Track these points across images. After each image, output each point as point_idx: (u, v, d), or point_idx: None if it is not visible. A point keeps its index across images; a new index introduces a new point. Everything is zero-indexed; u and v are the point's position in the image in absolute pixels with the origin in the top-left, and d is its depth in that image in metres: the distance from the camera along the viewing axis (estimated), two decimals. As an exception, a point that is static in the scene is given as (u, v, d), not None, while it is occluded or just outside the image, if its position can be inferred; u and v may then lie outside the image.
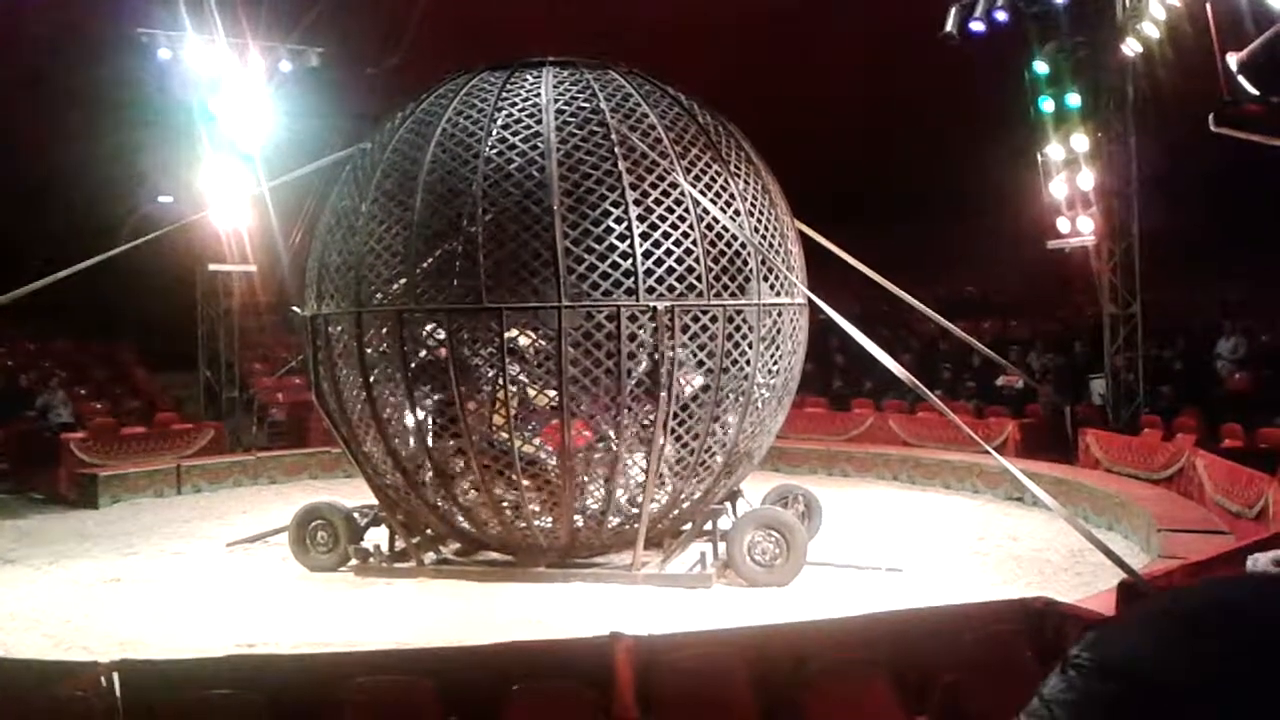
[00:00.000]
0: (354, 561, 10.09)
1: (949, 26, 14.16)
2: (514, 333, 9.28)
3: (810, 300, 9.80)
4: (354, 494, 11.16)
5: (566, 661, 5.31)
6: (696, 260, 9.12)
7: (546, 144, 9.16)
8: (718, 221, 9.27)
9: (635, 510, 9.52)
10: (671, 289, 9.04)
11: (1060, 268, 17.28)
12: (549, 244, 8.96)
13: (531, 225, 9.03)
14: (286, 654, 7.10)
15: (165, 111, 16.50)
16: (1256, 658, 0.85)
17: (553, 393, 9.16)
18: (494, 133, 9.28)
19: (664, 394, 9.03)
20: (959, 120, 19.46)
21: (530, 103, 9.40)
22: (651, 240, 9.02)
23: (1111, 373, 15.17)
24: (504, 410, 9.17)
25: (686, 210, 9.15)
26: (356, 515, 10.40)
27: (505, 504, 9.45)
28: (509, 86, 9.55)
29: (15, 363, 19.23)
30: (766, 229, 9.68)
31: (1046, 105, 15.05)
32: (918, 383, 9.06)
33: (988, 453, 8.86)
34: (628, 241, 8.97)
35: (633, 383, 9.13)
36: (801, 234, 10.57)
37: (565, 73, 9.70)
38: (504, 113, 9.39)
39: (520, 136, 9.24)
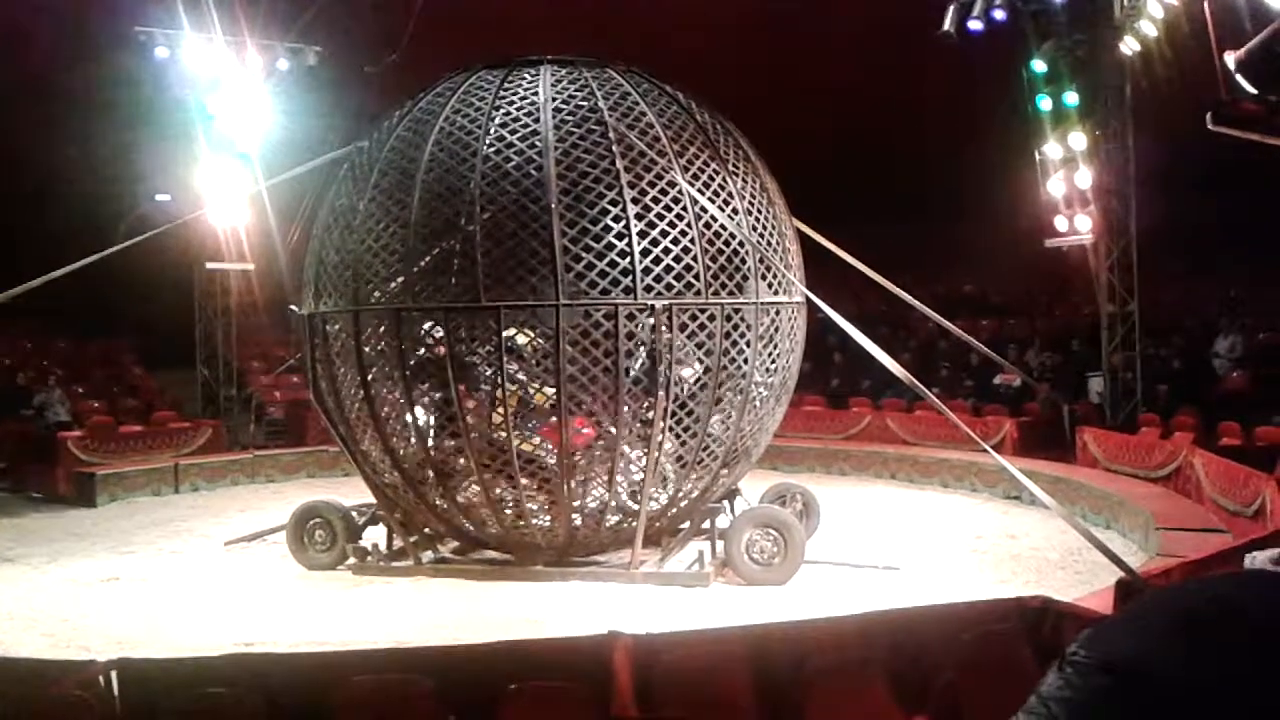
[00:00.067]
0: (352, 560, 10.08)
1: (947, 25, 14.15)
2: (512, 331, 9.27)
3: (808, 299, 9.80)
4: (352, 493, 11.16)
5: (564, 660, 5.31)
6: (694, 259, 9.12)
7: (544, 142, 9.16)
8: (716, 220, 9.27)
9: (634, 508, 9.51)
10: (669, 287, 9.04)
11: (1058, 266, 17.30)
12: (547, 242, 8.95)
13: (529, 224, 9.03)
14: (284, 653, 7.09)
15: (163, 110, 16.49)
16: (1256, 655, 0.85)
17: (551, 391, 9.16)
18: (492, 131, 9.28)
19: (662, 392, 9.03)
20: (957, 119, 19.47)
21: (528, 101, 9.39)
22: (649, 239, 9.02)
23: (1109, 371, 15.17)
24: (502, 409, 9.16)
25: (685, 209, 9.14)
26: (354, 514, 10.40)
27: (504, 503, 9.45)
28: (507, 85, 9.54)
29: (13, 361, 19.22)
30: (765, 228, 9.68)
31: (1044, 104, 15.06)
32: (916, 381, 9.07)
33: (986, 451, 8.87)
34: (626, 240, 8.97)
35: (630, 381, 9.12)
36: (800, 233, 10.57)
37: (563, 71, 9.69)
38: (502, 111, 9.38)
39: (518, 135, 9.23)
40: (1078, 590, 8.38)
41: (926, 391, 9.13)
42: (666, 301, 8.99)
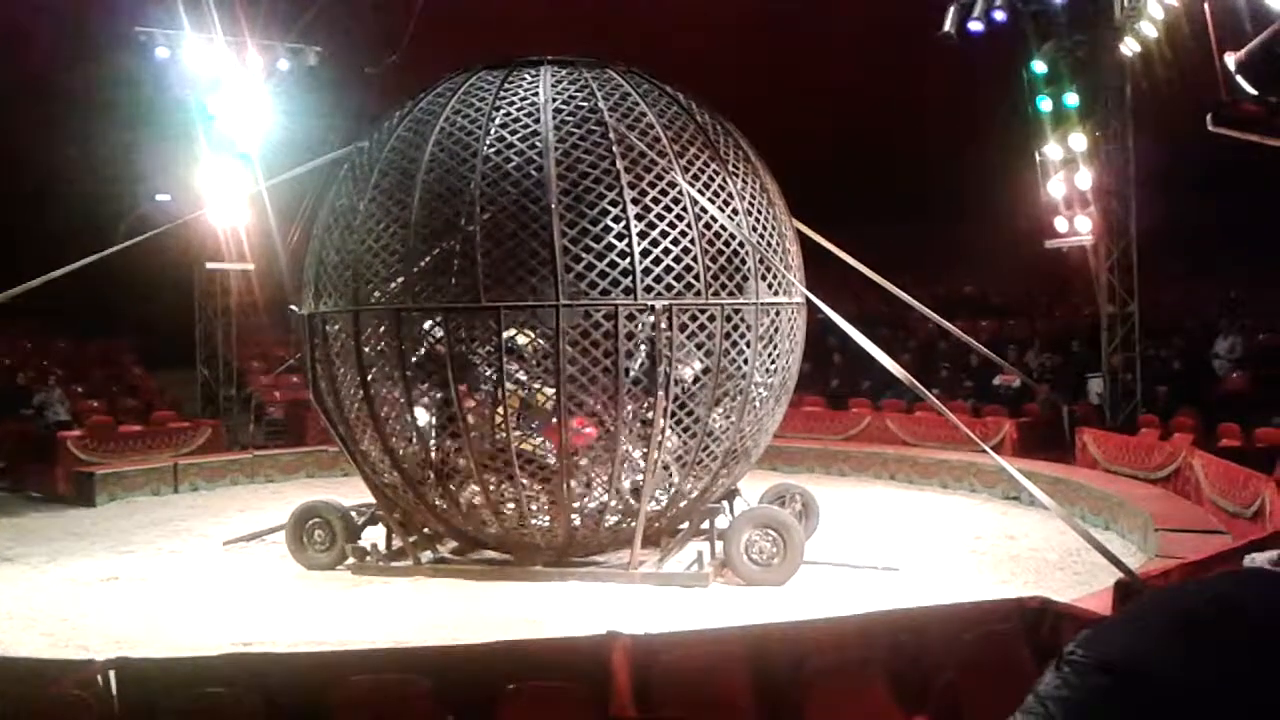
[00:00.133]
0: (351, 560, 10.08)
1: (947, 26, 14.15)
2: (512, 331, 9.27)
3: (808, 299, 9.80)
4: (351, 492, 11.15)
5: (563, 660, 5.30)
6: (694, 259, 9.12)
7: (545, 143, 9.16)
8: (716, 220, 9.27)
9: (635, 507, 9.51)
10: (669, 288, 9.03)
11: (1058, 267, 17.31)
12: (547, 243, 8.95)
13: (529, 224, 9.02)
14: (283, 652, 7.08)
15: (163, 110, 16.50)
16: (1255, 653, 0.85)
17: (551, 391, 9.15)
18: (492, 131, 9.28)
19: (661, 392, 9.03)
20: (958, 120, 19.48)
21: (528, 101, 9.39)
22: (649, 239, 9.02)
23: (1109, 372, 15.17)
24: (502, 409, 9.16)
25: (685, 209, 9.14)
26: (354, 514, 10.40)
27: (504, 503, 9.45)
28: (507, 85, 9.54)
29: (13, 361, 19.22)
30: (765, 228, 9.68)
31: (1045, 105, 15.06)
32: (915, 382, 9.07)
33: (985, 452, 8.87)
34: (626, 240, 8.97)
35: (630, 381, 9.12)
36: (800, 233, 10.57)
37: (563, 71, 9.69)
38: (502, 111, 9.38)
39: (518, 135, 9.23)
40: (1077, 591, 8.38)
41: (926, 392, 9.13)
42: (666, 302, 8.98)
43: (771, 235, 9.76)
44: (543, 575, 9.63)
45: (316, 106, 16.85)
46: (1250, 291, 17.66)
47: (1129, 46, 13.73)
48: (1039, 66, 14.85)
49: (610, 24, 18.19)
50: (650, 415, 9.20)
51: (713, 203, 9.24)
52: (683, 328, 9.09)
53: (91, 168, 19.35)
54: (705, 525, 10.09)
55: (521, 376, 9.42)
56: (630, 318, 9.01)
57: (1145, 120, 14.67)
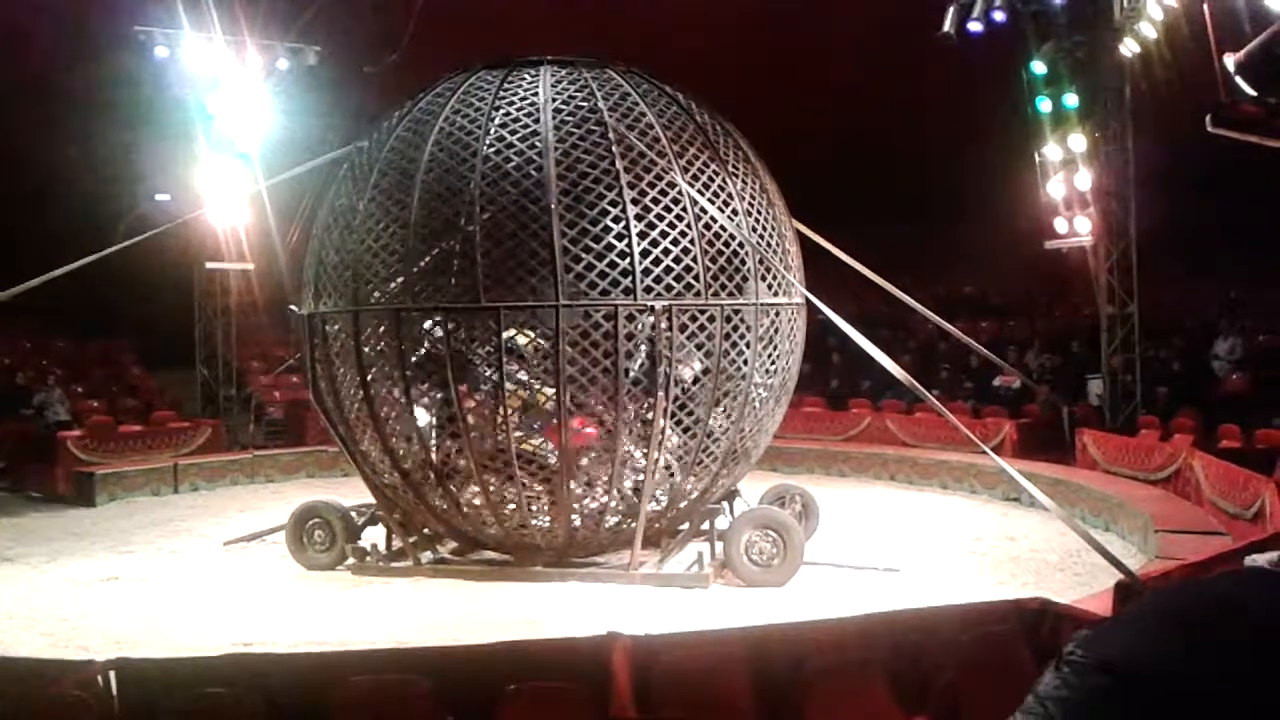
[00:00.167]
0: (351, 560, 10.07)
1: (947, 26, 14.16)
2: (512, 332, 9.27)
3: (808, 300, 9.80)
4: (351, 493, 11.15)
5: (563, 661, 5.30)
6: (694, 260, 9.12)
7: (544, 143, 9.16)
8: (715, 221, 9.27)
9: (635, 507, 9.51)
10: (669, 288, 9.03)
11: (1058, 268, 17.31)
12: (546, 243, 8.95)
13: (529, 224, 9.02)
14: (283, 653, 7.08)
15: (163, 110, 16.50)
16: (1256, 652, 0.85)
17: (551, 391, 9.15)
18: (492, 131, 9.27)
19: (661, 393, 9.03)
20: (957, 120, 19.48)
21: (528, 101, 9.39)
22: (649, 239, 9.02)
23: (1109, 373, 15.17)
24: (502, 409, 9.16)
25: (684, 210, 9.14)
26: (354, 514, 10.40)
27: (504, 503, 9.44)
28: (507, 85, 9.54)
29: (12, 360, 19.22)
30: (764, 228, 9.67)
31: (1044, 105, 15.06)
32: (915, 383, 9.07)
33: (985, 453, 8.87)
34: (625, 241, 8.97)
35: (630, 382, 9.12)
36: (800, 234, 10.57)
37: (563, 71, 9.69)
38: (502, 111, 9.38)
39: (518, 135, 9.23)
40: (1077, 592, 8.38)
41: (926, 393, 9.13)
42: (666, 302, 8.98)
43: (771, 236, 9.76)
44: (543, 576, 9.62)
45: (316, 106, 16.85)
46: (1250, 292, 17.66)
47: (1128, 47, 13.73)
48: (1038, 67, 14.86)
49: (610, 24, 18.19)
50: (650, 415, 9.20)
51: (712, 203, 9.24)
52: (682, 328, 9.09)
53: (91, 168, 19.34)
54: (705, 526, 10.09)
55: (522, 376, 9.41)
56: (630, 318, 9.01)
57: (1145, 121, 14.67)
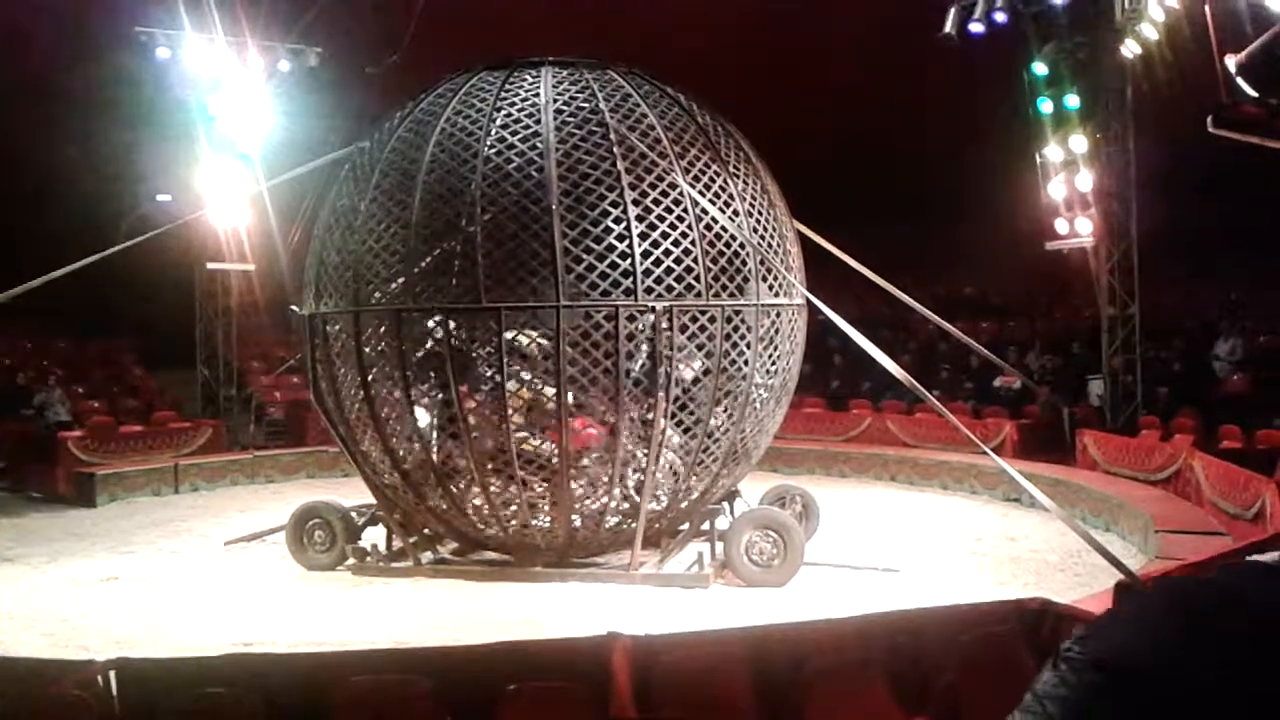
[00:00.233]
0: (351, 561, 10.08)
1: (948, 27, 14.16)
2: (512, 333, 9.27)
3: (809, 301, 9.80)
4: (351, 493, 11.15)
5: (564, 661, 5.30)
6: (695, 260, 9.12)
7: (545, 144, 9.16)
8: (716, 222, 9.27)
9: (635, 508, 9.51)
10: (670, 289, 9.03)
11: (1059, 269, 17.31)
12: (547, 244, 8.95)
13: (530, 225, 9.03)
14: (283, 653, 7.08)
15: (164, 110, 16.51)
16: (1256, 644, 0.84)
17: (552, 392, 9.15)
18: (493, 132, 9.28)
19: (662, 394, 9.03)
20: (958, 121, 19.48)
21: (529, 102, 9.39)
22: (650, 240, 9.02)
23: (1109, 374, 15.17)
24: (503, 410, 9.16)
25: (685, 210, 9.14)
26: (354, 514, 10.40)
27: (505, 503, 9.45)
28: (508, 86, 9.54)
29: (13, 361, 19.23)
30: (765, 229, 9.68)
31: (1045, 106, 15.06)
32: (916, 383, 9.07)
33: (985, 454, 8.86)
34: (626, 241, 8.97)
35: (631, 382, 9.12)
36: (800, 234, 10.57)
37: (564, 72, 9.69)
38: (503, 112, 9.38)
39: (519, 136, 9.23)
40: (1077, 592, 8.38)
41: (926, 394, 9.12)
42: (667, 303, 8.99)
43: (772, 236, 9.76)
44: (543, 576, 9.62)
45: (317, 107, 16.85)
46: (1251, 293, 17.65)
47: (1130, 48, 13.73)
48: (1040, 68, 14.86)
49: (610, 24, 18.20)
50: (651, 416, 9.20)
51: (713, 204, 9.24)
52: (683, 329, 9.09)
53: (92, 168, 19.35)
54: (705, 526, 10.09)
55: (525, 376, 9.41)
56: (631, 319, 9.01)
57: (1146, 122, 14.67)
